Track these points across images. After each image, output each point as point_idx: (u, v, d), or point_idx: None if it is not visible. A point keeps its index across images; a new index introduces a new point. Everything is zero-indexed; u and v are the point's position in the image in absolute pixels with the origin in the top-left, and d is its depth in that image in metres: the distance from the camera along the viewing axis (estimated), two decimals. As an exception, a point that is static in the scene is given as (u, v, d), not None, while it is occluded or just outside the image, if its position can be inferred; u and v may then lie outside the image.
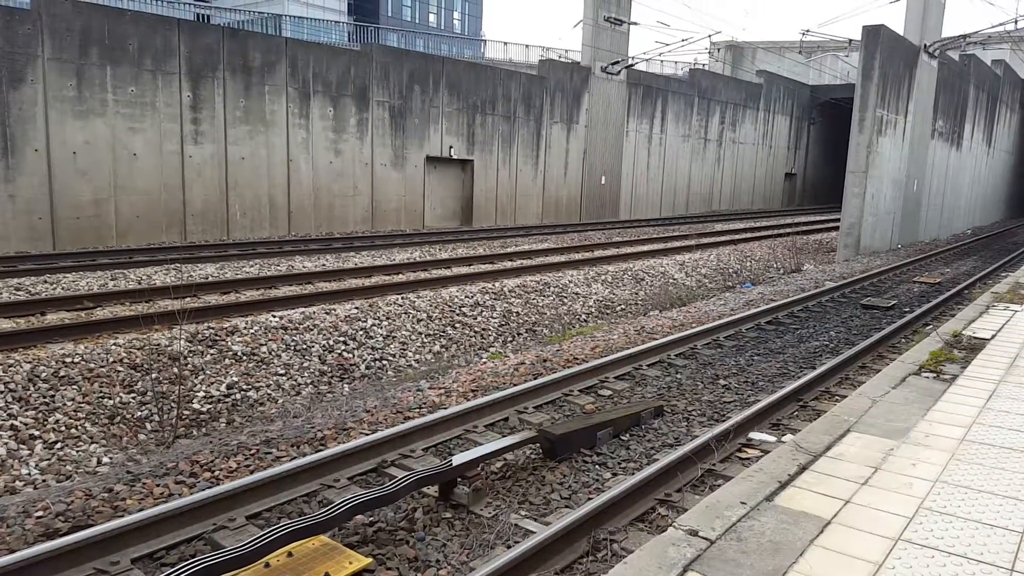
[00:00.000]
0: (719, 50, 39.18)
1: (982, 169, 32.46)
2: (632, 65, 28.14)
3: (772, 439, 6.30)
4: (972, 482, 4.09)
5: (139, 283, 11.61)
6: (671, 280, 15.91)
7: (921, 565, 3.20)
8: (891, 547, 3.36)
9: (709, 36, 28.11)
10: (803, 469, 4.28)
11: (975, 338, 7.85)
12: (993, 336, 7.97)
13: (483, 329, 11.22)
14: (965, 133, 28.57)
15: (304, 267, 14.06)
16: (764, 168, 38.70)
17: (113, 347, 8.01)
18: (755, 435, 6.42)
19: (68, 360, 7.56)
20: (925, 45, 22.60)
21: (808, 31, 36.41)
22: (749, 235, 23.74)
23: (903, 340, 10.38)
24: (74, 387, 7.23)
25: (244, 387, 8.10)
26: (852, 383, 8.14)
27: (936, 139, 25.34)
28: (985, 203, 34.35)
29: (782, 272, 18.49)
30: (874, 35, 19.92)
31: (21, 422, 6.58)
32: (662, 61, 38.37)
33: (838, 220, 22.11)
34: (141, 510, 4.70)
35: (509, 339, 11.27)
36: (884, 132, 20.85)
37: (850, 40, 33.27)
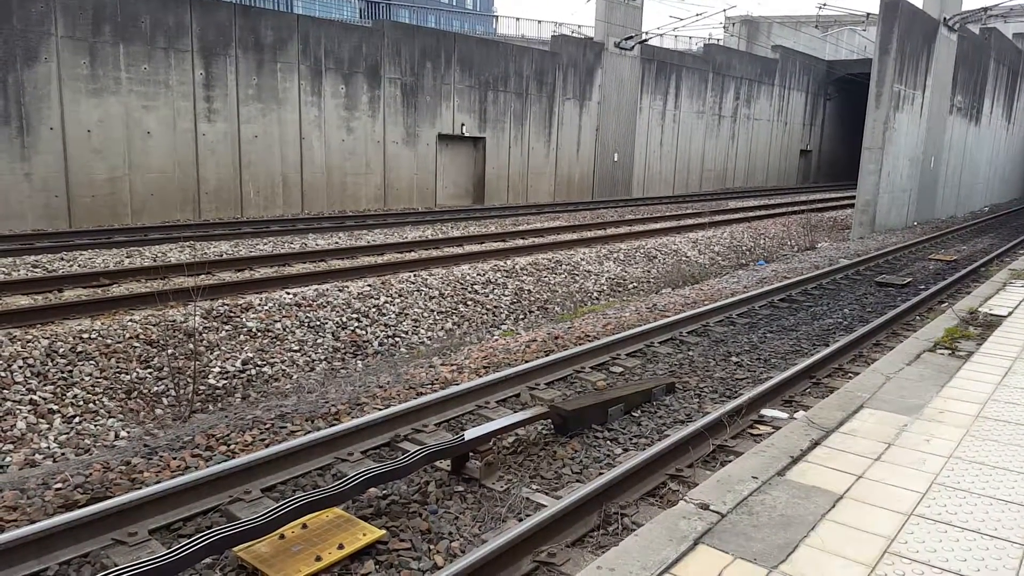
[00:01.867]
0: (734, 24, 38.67)
1: (1001, 145, 31.98)
2: (646, 40, 27.82)
3: (784, 415, 6.29)
4: (987, 458, 4.07)
5: (154, 260, 11.68)
6: (684, 258, 15.85)
7: (934, 540, 3.20)
8: (904, 522, 3.36)
9: (724, 10, 27.78)
10: (815, 444, 4.28)
11: (991, 315, 7.78)
12: (1010, 313, 7.90)
13: (495, 307, 11.23)
14: (984, 108, 28.12)
15: (317, 245, 14.09)
16: (779, 145, 38.30)
17: (129, 323, 8.08)
18: (767, 411, 6.41)
19: (85, 336, 7.64)
20: (945, 18, 22.19)
21: (825, 5, 35.85)
22: (763, 212, 23.56)
23: (918, 318, 10.30)
24: (91, 362, 7.32)
25: (259, 363, 8.17)
26: (866, 360, 8.10)
27: (954, 115, 24.96)
28: (1003, 180, 33.88)
29: (796, 250, 18.36)
30: (892, 8, 19.57)
31: (40, 397, 6.67)
32: (676, 36, 37.92)
33: (853, 197, 21.89)
34: (158, 483, 4.76)
35: (521, 317, 11.28)
36: (901, 108, 20.56)
37: (868, 14, 32.74)
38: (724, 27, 38.47)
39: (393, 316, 9.94)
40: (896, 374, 5.69)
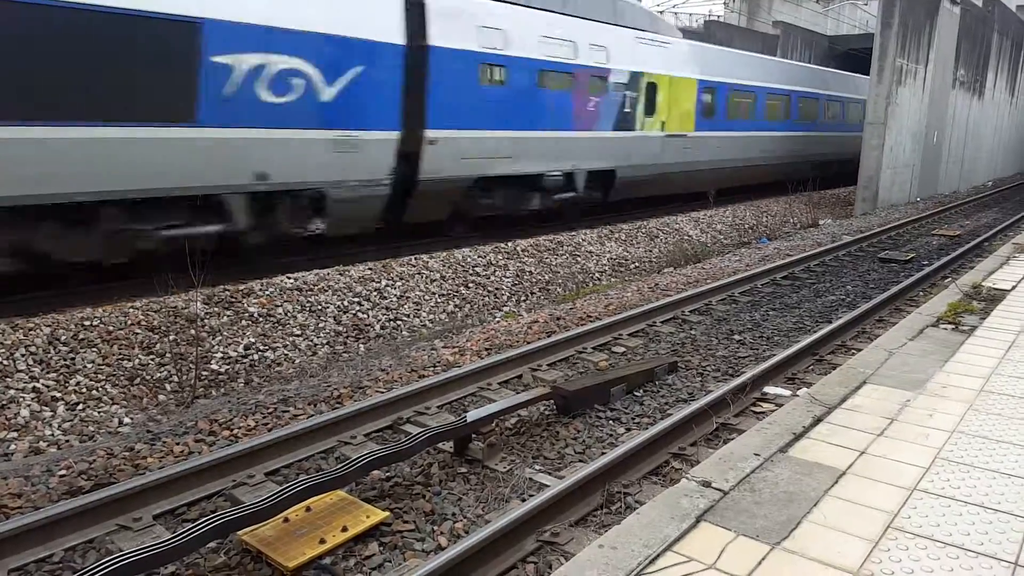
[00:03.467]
0: (734, 1, 38.29)
1: (1004, 119, 31.73)
2: (645, 18, 27.53)
3: (787, 393, 6.28)
4: (990, 432, 4.06)
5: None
6: (686, 237, 15.79)
7: (937, 514, 3.19)
8: (907, 497, 3.35)
9: (724, -14, 27.45)
10: (818, 421, 4.27)
11: (995, 289, 7.75)
12: (1013, 287, 7.86)
13: (496, 288, 11.21)
14: (987, 82, 27.87)
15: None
16: (780, 122, 37.91)
17: (131, 310, 8.07)
18: (770, 389, 6.40)
19: (87, 323, 7.63)
20: (948, -9, 21.95)
21: (826, -21, 35.47)
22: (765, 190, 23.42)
23: (921, 293, 10.27)
24: (94, 350, 7.31)
25: (261, 347, 8.16)
26: (868, 336, 8.09)
27: (957, 89, 24.75)
28: (1007, 154, 33.65)
29: (799, 227, 18.29)
30: (895, -19, 19.34)
31: (43, 384, 6.67)
32: (676, 13, 37.56)
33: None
34: (162, 468, 4.78)
35: (522, 298, 11.26)
36: (903, 82, 20.38)
37: (870, -12, 32.34)
38: (724, 3, 38.11)
39: (394, 299, 9.93)
40: (899, 349, 5.67)
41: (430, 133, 11.67)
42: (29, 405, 6.35)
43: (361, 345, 8.83)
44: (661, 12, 28.13)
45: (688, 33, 31.51)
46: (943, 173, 25.24)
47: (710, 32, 32.11)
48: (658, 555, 2.89)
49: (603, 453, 5.14)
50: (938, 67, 22.40)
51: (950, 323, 6.40)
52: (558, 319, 8.77)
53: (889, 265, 12.56)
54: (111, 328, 7.66)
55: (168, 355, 7.51)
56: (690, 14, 39.50)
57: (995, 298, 7.34)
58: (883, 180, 20.41)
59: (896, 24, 19.39)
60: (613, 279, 12.69)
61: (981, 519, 3.15)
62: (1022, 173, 36.49)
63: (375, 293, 9.85)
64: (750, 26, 36.41)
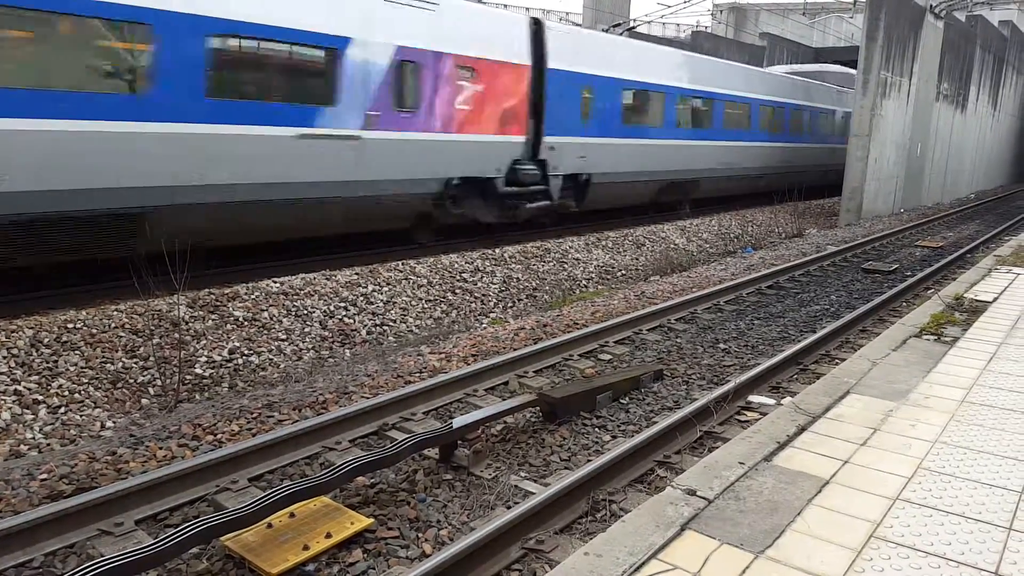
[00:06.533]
0: (721, 12, 38.63)
1: (987, 132, 32.15)
2: (634, 28, 27.70)
3: (771, 401, 6.32)
4: (971, 443, 4.10)
5: (139, 249, 11.54)
6: (672, 245, 15.86)
7: (919, 524, 3.22)
8: (889, 506, 3.38)
9: (712, -3, 27.69)
10: (802, 430, 4.30)
11: (977, 301, 7.83)
12: (995, 299, 7.95)
13: (483, 295, 11.21)
14: (970, 96, 28.24)
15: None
16: (767, 132, 38.19)
17: (115, 313, 8.00)
18: (754, 398, 6.44)
19: (70, 326, 7.56)
20: (931, 5, 22.24)
21: (813, -8, 35.85)
22: (750, 200, 23.58)
23: (904, 304, 10.36)
24: (77, 352, 7.24)
25: (246, 352, 8.12)
26: (852, 346, 8.15)
27: (940, 102, 25.06)
28: (989, 167, 34.09)
29: (784, 237, 18.42)
30: (880, -5, 19.58)
31: (25, 387, 6.60)
32: (664, 24, 37.83)
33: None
34: (145, 473, 4.73)
35: (509, 305, 11.26)
36: (888, 95, 20.61)
37: (855, 1, 32.72)
38: (712, 14, 38.43)
39: (381, 304, 9.90)
40: (882, 360, 5.72)
41: None
42: (10, 408, 6.29)
43: (347, 350, 8.80)
44: (650, 22, 28.32)
45: (675, 44, 31.74)
46: (926, 185, 25.53)
47: (697, 43, 32.36)
48: (643, 563, 2.90)
49: (589, 460, 5.15)
50: (922, 80, 22.68)
51: (933, 334, 6.46)
52: (545, 326, 8.78)
53: (873, 276, 12.67)
54: (94, 331, 7.59)
55: (152, 358, 7.45)
56: (678, 24, 39.78)
57: (977, 309, 7.43)
58: (867, 191, 20.62)
59: (881, 37, 19.62)
60: (600, 287, 12.73)
61: (962, 529, 3.18)
62: (1004, 186, 36.96)
63: (361, 298, 9.83)
64: (737, 37, 36.72)
